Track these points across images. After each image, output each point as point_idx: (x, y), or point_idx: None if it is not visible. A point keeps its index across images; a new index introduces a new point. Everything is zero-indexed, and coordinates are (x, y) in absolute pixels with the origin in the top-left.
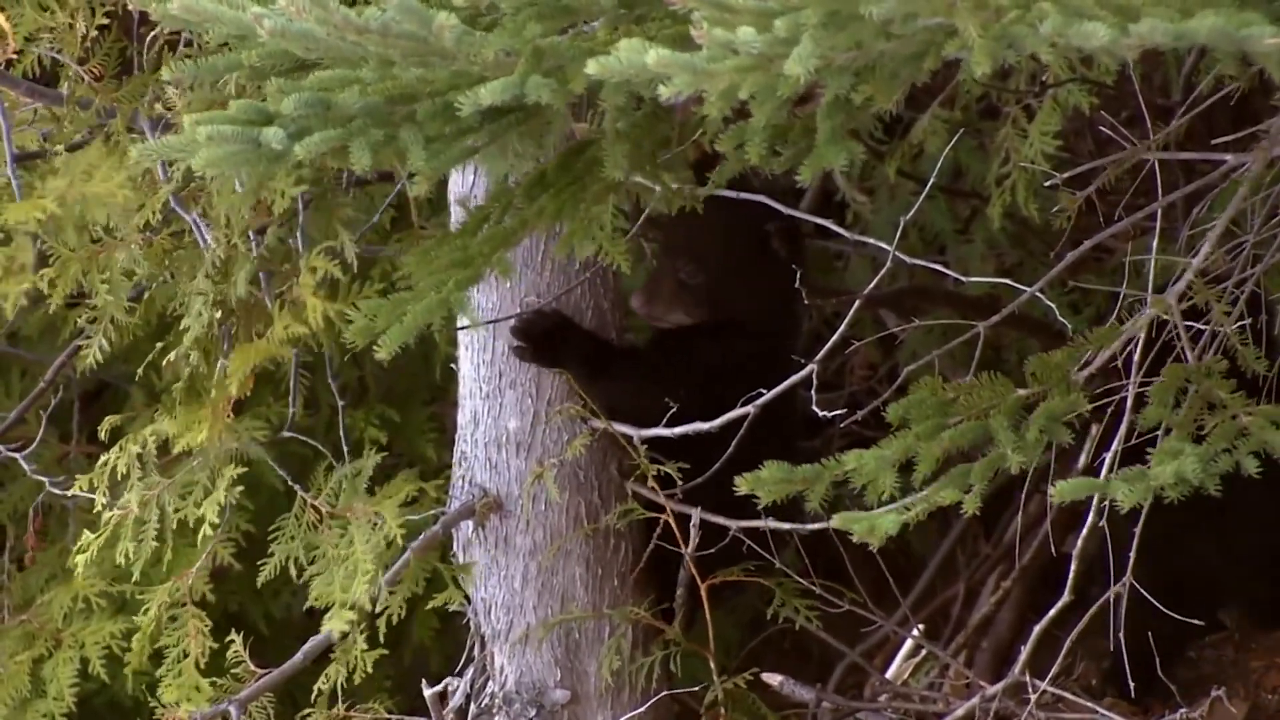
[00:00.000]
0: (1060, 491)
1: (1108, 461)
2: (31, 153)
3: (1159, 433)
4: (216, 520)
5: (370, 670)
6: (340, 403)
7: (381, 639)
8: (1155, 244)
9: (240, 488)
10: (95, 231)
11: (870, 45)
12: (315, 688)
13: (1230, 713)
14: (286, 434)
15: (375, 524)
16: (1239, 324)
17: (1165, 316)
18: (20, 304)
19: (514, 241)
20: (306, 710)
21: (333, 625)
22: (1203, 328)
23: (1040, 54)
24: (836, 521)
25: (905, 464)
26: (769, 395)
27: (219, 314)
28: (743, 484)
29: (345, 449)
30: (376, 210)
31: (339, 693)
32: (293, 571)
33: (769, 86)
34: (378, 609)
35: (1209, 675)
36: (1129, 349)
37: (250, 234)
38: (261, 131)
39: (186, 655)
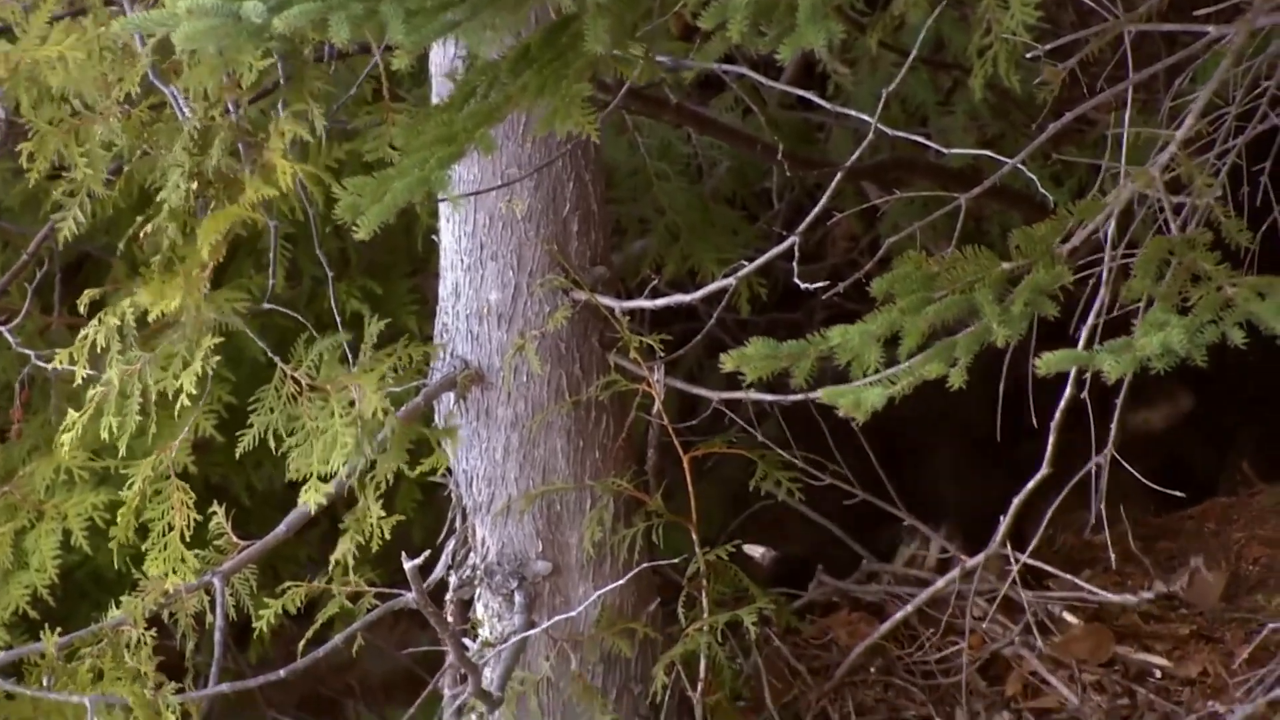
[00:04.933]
0: (1046, 363)
1: (1085, 333)
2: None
3: (1140, 305)
4: (195, 391)
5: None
6: (329, 274)
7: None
8: (1128, 115)
9: (221, 360)
10: (74, 104)
11: None
12: (331, 559)
13: (1209, 583)
14: (268, 306)
15: (355, 398)
16: (1221, 196)
17: (1148, 191)
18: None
19: (498, 118)
20: (288, 583)
21: (308, 498)
22: (1184, 200)
23: None
24: (823, 395)
25: (891, 339)
26: (750, 267)
27: (196, 185)
28: (728, 361)
29: (337, 319)
30: (356, 83)
31: (319, 565)
32: (271, 444)
33: None
34: (371, 479)
35: (1189, 546)
36: (1110, 221)
37: (229, 106)
38: (241, 5)
39: (171, 528)
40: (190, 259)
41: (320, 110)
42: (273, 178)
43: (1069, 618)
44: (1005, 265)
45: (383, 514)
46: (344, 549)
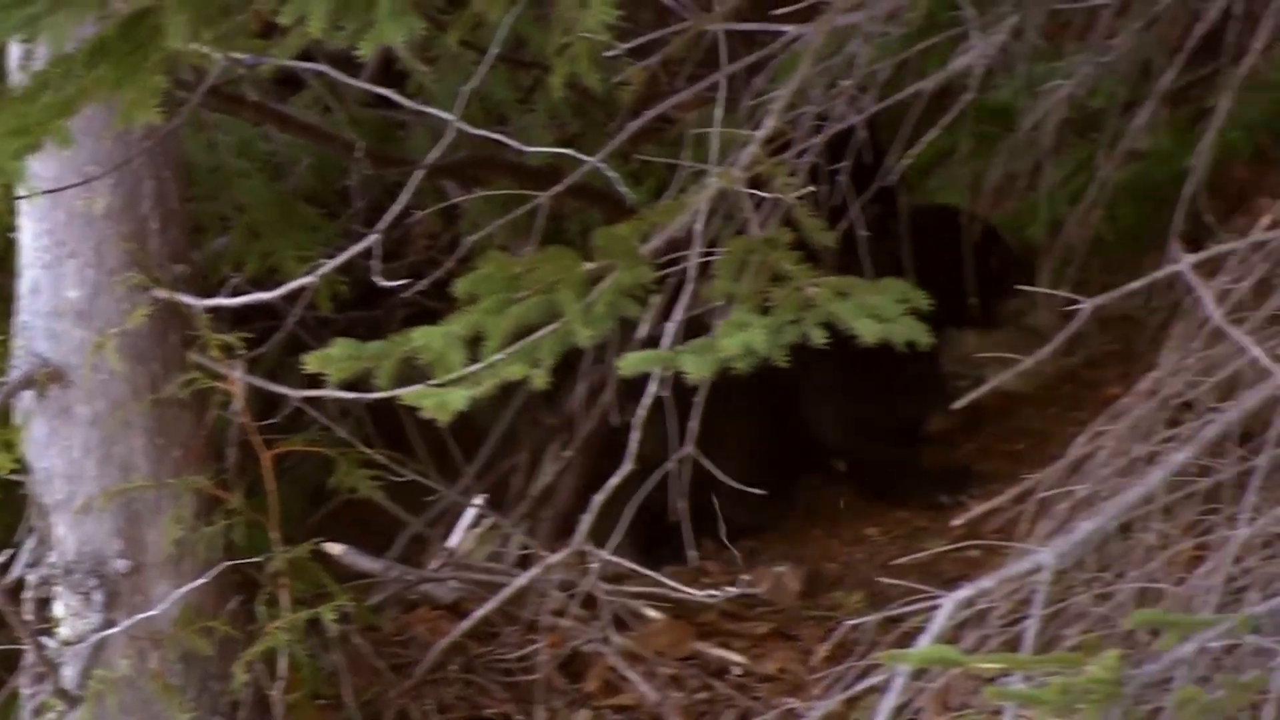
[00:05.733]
0: (628, 363)
1: (669, 332)
2: None
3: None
4: None
5: None
6: None
7: None
8: (718, 114)
9: None
10: None
11: None
12: None
13: (788, 582)
14: None
15: None
16: (802, 195)
17: (734, 190)
18: None
19: (73, 110)
20: None
21: None
22: (767, 196)
23: None
24: (408, 398)
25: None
26: (330, 265)
27: None
28: (311, 362)
29: None
30: None
31: None
32: None
33: None
34: None
35: (771, 543)
36: (698, 220)
37: None
38: None
39: None
40: None
41: None
42: None
43: (651, 614)
44: (587, 265)
45: None
46: None
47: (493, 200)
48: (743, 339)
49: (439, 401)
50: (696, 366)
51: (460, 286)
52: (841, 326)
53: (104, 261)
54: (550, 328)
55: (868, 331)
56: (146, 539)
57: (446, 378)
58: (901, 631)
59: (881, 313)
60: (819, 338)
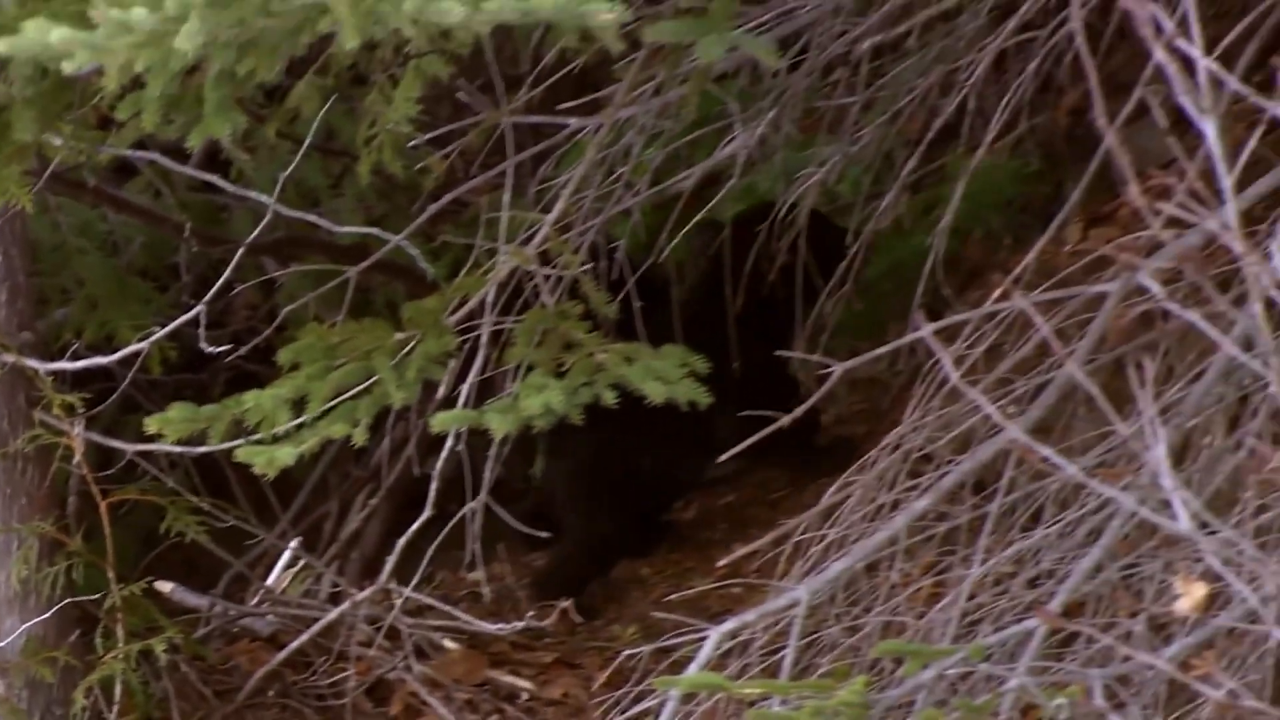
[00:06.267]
0: (441, 421)
1: (464, 393)
2: None
3: (514, 366)
4: None
5: None
6: None
7: None
8: (508, 198)
9: None
10: None
11: (252, 22)
12: None
13: (570, 613)
14: None
15: None
16: (586, 268)
17: (526, 266)
18: None
19: None
20: None
21: None
22: (555, 273)
23: (404, 29)
24: (240, 455)
25: (300, 401)
26: (161, 333)
27: None
28: (152, 424)
29: None
30: None
31: None
32: None
33: (161, 61)
34: None
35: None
36: (490, 292)
37: None
38: None
39: None
40: None
41: None
42: None
43: (449, 644)
44: (399, 335)
45: None
46: None
47: (307, 275)
48: (542, 399)
49: (269, 458)
50: (500, 424)
51: (283, 355)
52: (629, 388)
53: None
54: (366, 390)
55: (654, 392)
56: None
57: (273, 434)
58: (673, 660)
59: (665, 376)
60: (610, 398)
